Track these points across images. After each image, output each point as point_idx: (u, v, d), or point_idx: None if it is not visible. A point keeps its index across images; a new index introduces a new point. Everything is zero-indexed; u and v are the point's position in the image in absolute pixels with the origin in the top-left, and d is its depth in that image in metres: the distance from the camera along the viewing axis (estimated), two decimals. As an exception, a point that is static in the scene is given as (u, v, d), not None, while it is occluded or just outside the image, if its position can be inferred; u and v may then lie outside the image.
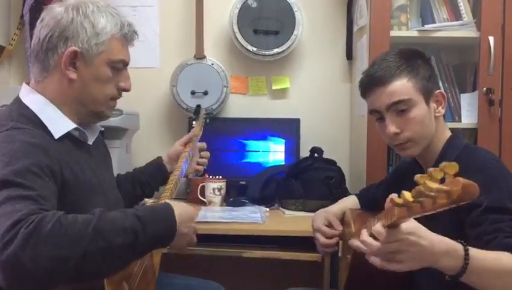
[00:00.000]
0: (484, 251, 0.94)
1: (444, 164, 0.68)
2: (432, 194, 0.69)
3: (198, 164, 1.64)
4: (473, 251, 0.91)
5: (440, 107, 1.25)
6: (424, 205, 0.72)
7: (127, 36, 1.19)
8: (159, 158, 1.58)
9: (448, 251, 0.90)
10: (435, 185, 0.68)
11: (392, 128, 1.21)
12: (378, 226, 0.87)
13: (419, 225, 0.88)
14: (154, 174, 1.53)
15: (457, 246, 0.91)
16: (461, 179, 0.67)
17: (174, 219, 0.99)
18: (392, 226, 0.85)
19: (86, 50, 1.11)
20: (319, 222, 1.43)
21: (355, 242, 0.95)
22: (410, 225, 0.87)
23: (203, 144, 1.66)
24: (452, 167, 0.68)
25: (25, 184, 0.91)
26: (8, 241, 0.82)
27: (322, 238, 1.40)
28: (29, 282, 0.83)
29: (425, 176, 0.70)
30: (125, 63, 1.20)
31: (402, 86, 1.20)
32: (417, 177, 0.72)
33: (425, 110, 1.21)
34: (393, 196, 0.80)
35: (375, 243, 0.88)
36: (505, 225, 1.01)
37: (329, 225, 1.42)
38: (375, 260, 0.90)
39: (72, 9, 1.12)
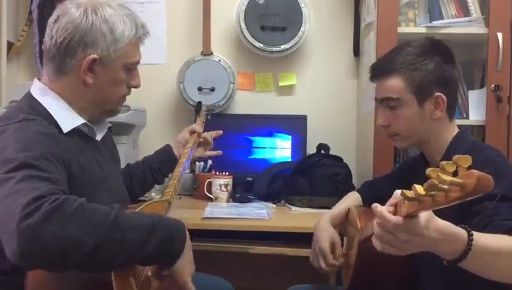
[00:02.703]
0: (485, 234, 0.90)
1: (457, 156, 0.67)
2: (445, 187, 0.67)
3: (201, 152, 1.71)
4: (476, 235, 0.88)
5: (437, 110, 1.24)
6: (436, 199, 0.70)
7: (141, 38, 1.21)
8: (168, 145, 1.62)
9: (450, 235, 0.86)
10: (448, 178, 0.67)
11: (380, 120, 1.29)
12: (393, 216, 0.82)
13: (432, 215, 0.84)
14: (164, 161, 1.58)
15: (459, 231, 0.87)
16: (475, 172, 0.65)
17: (185, 234, 1.02)
18: (408, 217, 0.81)
19: (105, 56, 1.12)
20: (325, 242, 1.38)
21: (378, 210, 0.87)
22: (425, 216, 0.83)
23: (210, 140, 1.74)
24: (465, 160, 0.67)
25: (42, 167, 0.93)
26: (30, 213, 0.83)
27: (322, 264, 1.38)
28: (42, 257, 0.84)
29: (437, 169, 0.69)
30: (138, 63, 1.22)
31: (394, 85, 1.23)
32: (429, 170, 0.70)
33: (415, 110, 1.23)
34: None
35: (394, 218, 0.82)
36: (503, 210, 1.00)
37: (333, 246, 1.38)
38: (376, 243, 0.87)
39: (90, 12, 1.11)
